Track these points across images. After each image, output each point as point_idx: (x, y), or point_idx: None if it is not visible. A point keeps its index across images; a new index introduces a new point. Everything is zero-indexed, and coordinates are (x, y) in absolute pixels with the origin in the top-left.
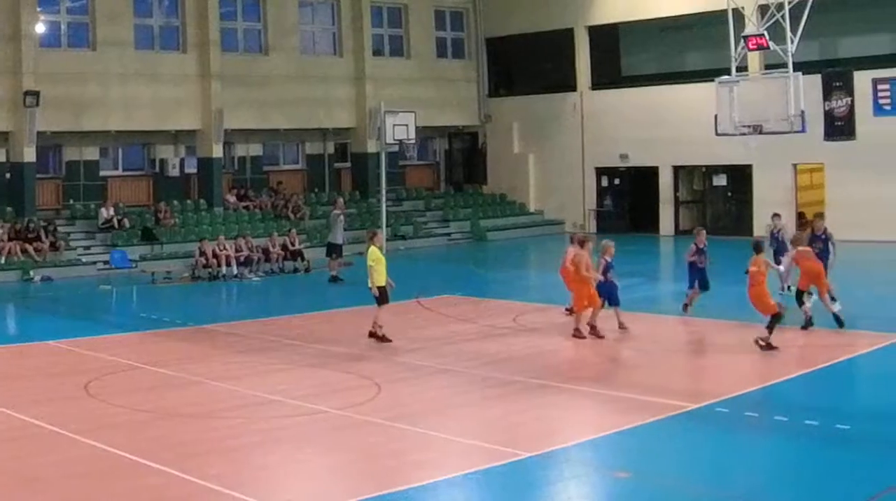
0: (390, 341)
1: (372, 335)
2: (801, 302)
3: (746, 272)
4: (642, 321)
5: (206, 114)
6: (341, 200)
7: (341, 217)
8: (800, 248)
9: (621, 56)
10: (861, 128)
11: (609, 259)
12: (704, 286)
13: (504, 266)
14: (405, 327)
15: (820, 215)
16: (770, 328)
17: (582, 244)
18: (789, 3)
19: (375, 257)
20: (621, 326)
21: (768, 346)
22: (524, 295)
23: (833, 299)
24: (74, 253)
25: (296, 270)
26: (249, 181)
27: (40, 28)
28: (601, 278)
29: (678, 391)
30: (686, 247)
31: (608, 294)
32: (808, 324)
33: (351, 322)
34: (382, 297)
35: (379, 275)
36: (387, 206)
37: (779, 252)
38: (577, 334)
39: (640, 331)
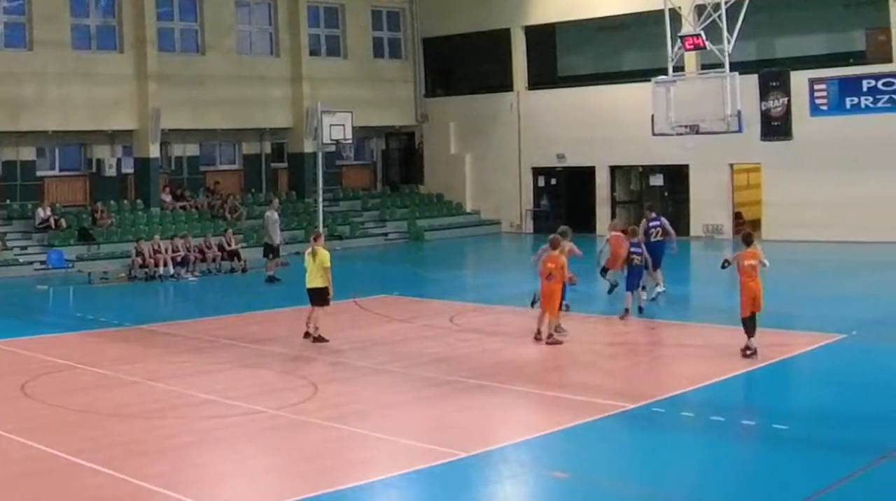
0: (327, 341)
1: (307, 335)
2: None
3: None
4: (579, 321)
5: (143, 114)
6: (276, 201)
7: (276, 217)
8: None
9: (558, 56)
10: (798, 128)
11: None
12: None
13: (441, 266)
14: (342, 327)
15: (649, 207)
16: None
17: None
18: (726, 3)
19: (328, 258)
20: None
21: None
22: (461, 295)
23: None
24: (11, 254)
25: (232, 270)
26: (186, 181)
27: None
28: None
29: (616, 391)
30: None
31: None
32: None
33: (288, 322)
34: (327, 298)
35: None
36: (323, 206)
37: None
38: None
39: (577, 332)
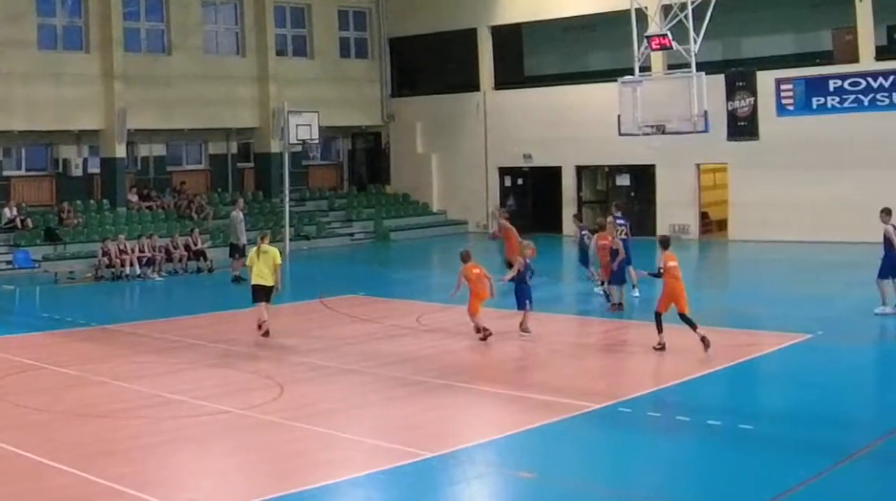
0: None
1: (265, 331)
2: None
3: (660, 271)
4: (546, 321)
5: (110, 114)
6: (242, 201)
7: (242, 217)
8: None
9: (524, 56)
10: (764, 128)
11: (526, 260)
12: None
13: (407, 266)
14: (308, 327)
15: (616, 206)
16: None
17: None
18: (692, 3)
19: (279, 255)
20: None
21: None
22: (427, 295)
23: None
24: None
25: (199, 270)
26: (152, 181)
27: None
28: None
29: (582, 391)
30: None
31: (521, 296)
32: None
33: (254, 322)
34: (271, 294)
35: (279, 273)
36: (290, 206)
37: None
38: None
39: (543, 331)
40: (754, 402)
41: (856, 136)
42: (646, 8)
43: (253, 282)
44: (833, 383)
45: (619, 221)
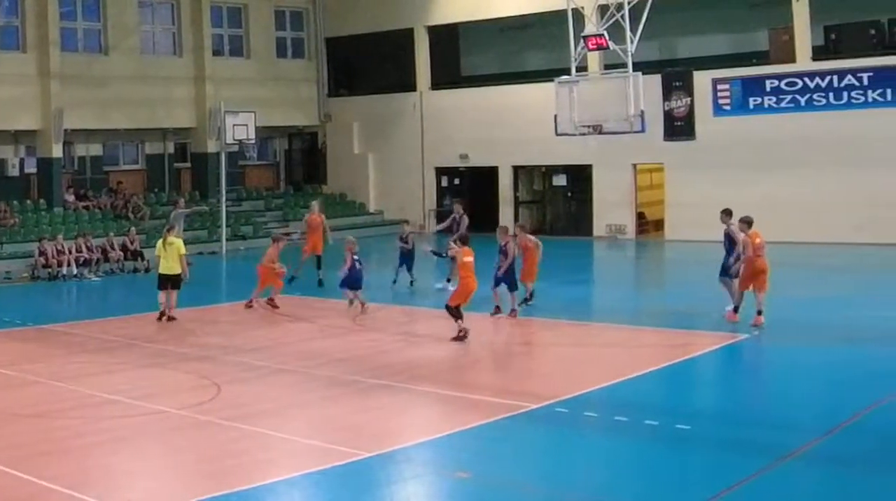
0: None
1: (169, 318)
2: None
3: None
4: (482, 321)
5: (46, 114)
6: (182, 201)
7: (182, 216)
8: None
9: (461, 56)
10: (701, 128)
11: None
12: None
13: (343, 265)
14: (245, 327)
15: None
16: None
17: (276, 241)
18: (629, 3)
19: (182, 246)
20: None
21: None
22: (364, 294)
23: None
24: None
25: (135, 270)
26: (89, 181)
27: None
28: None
29: (518, 391)
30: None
31: (352, 280)
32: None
33: (190, 322)
34: (180, 282)
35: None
36: (227, 206)
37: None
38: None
39: (481, 332)
40: (691, 402)
41: (792, 136)
42: (582, 8)
43: (160, 271)
44: (770, 383)
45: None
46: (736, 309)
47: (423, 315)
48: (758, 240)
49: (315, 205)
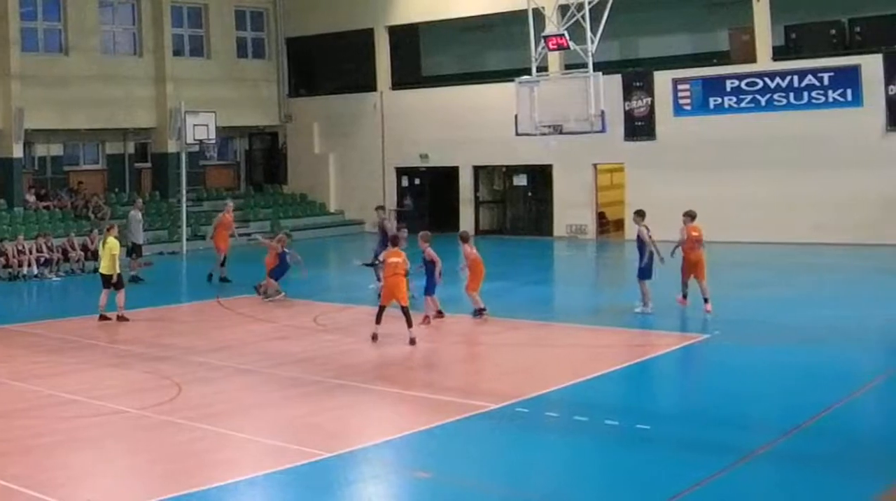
0: (128, 320)
1: (115, 318)
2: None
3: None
4: (443, 322)
5: (7, 114)
6: (140, 201)
7: (140, 216)
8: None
9: (422, 56)
10: (661, 128)
11: (281, 247)
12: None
13: (304, 266)
14: (206, 327)
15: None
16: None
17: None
18: (590, 3)
19: (116, 246)
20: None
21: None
22: (324, 295)
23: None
24: None
25: (96, 270)
26: (50, 181)
27: None
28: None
29: (479, 391)
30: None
31: (280, 272)
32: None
33: (151, 322)
34: (121, 281)
35: (116, 262)
36: (187, 206)
37: (384, 243)
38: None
39: (442, 331)
40: (652, 402)
41: (753, 136)
42: (543, 8)
43: (100, 271)
44: (730, 383)
45: None
46: (685, 296)
47: (389, 315)
48: (694, 234)
49: (230, 204)
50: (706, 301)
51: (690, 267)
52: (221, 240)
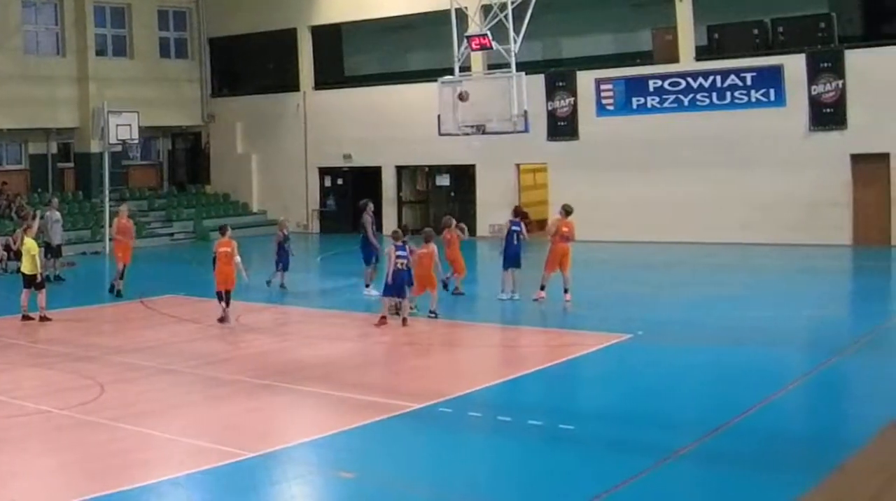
0: (50, 320)
1: (37, 318)
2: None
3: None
4: (368, 321)
5: None
6: (56, 200)
7: (58, 216)
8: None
9: (344, 56)
10: (584, 128)
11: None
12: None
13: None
14: (129, 327)
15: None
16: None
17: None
18: (512, 3)
19: (34, 246)
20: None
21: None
22: (247, 295)
23: None
24: None
25: (19, 270)
26: None
27: None
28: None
29: (402, 391)
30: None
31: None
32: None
33: (74, 322)
34: (43, 281)
35: (37, 262)
36: (110, 206)
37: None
38: None
39: (367, 332)
40: (576, 402)
41: (676, 136)
42: (465, 8)
43: (22, 271)
44: (654, 383)
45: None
46: (542, 288)
47: (312, 316)
48: (565, 230)
49: (125, 208)
50: (566, 291)
51: (556, 260)
52: (119, 249)
